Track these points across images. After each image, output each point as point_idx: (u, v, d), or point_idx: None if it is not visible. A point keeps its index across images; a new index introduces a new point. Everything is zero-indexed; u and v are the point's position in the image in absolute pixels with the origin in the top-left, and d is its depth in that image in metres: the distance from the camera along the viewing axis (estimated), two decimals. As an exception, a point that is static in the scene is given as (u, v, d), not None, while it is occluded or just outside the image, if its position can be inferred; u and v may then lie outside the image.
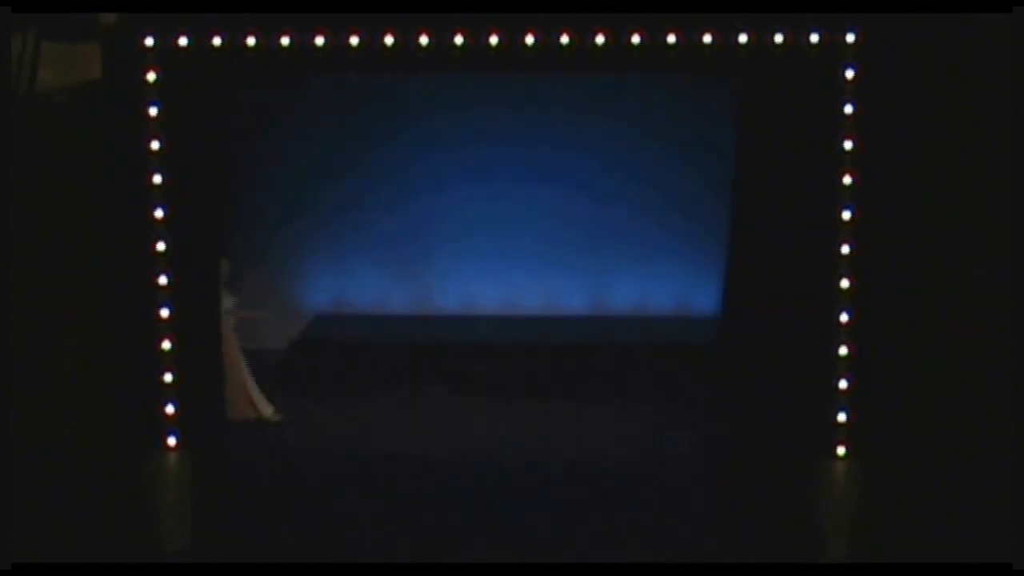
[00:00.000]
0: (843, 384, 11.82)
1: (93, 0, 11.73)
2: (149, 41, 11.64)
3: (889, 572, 8.91)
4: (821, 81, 11.75)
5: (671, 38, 11.52)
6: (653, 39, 11.54)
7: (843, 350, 11.79)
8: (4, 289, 11.01)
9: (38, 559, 9.12)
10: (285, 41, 11.60)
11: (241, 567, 8.97)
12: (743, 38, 11.52)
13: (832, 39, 11.53)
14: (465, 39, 11.61)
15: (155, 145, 11.76)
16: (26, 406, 11.82)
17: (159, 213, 11.81)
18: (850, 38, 11.50)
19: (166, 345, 11.93)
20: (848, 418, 11.84)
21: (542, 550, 9.64)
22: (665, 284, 15.97)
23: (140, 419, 11.99)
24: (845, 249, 11.73)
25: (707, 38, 11.51)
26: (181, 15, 11.53)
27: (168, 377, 11.98)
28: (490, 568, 9.13)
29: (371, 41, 11.62)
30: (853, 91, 11.60)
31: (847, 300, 11.78)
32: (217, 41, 11.62)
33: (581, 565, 9.12)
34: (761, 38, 11.53)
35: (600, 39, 11.56)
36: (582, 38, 11.58)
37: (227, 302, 12.95)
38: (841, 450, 11.86)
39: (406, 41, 11.60)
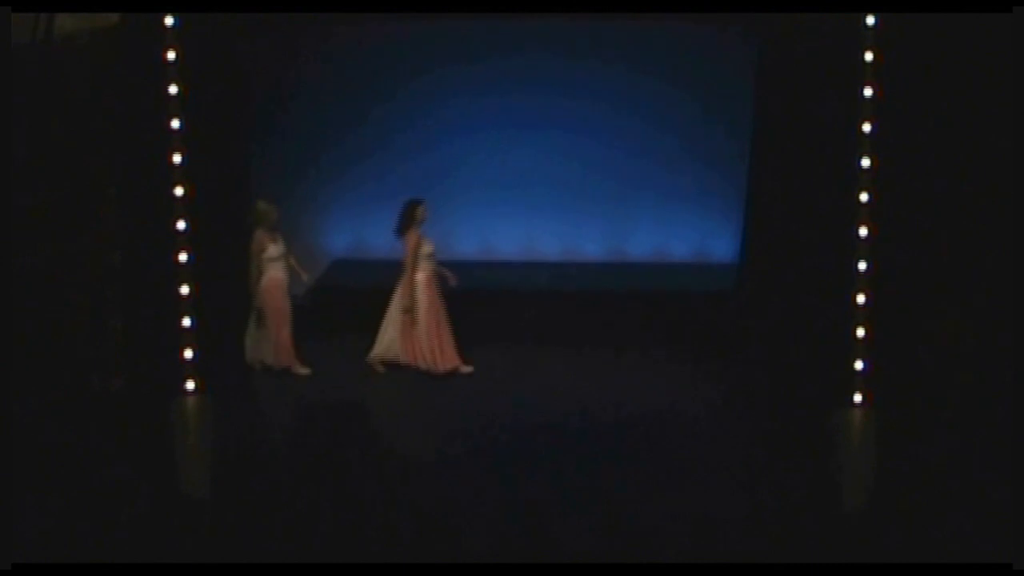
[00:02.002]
0: (861, 332, 11.78)
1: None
2: (167, -16, 11.55)
3: (889, 572, 8.88)
4: (841, 29, 11.64)
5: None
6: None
7: (861, 298, 11.74)
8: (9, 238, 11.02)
9: (60, 501, 9.19)
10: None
11: (241, 567, 8.88)
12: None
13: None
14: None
15: (173, 90, 11.71)
16: (40, 355, 11.86)
17: (177, 158, 11.77)
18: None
19: (184, 290, 11.93)
20: (866, 366, 11.82)
21: (552, 498, 9.68)
22: (683, 231, 15.97)
23: (159, 364, 12.02)
24: (864, 197, 11.65)
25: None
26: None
27: (187, 322, 11.99)
28: (494, 568, 9.07)
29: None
30: (874, 39, 11.49)
31: (866, 248, 11.71)
32: (236, -16, 11.54)
33: (584, 565, 9.11)
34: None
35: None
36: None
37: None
38: (858, 397, 11.85)
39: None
